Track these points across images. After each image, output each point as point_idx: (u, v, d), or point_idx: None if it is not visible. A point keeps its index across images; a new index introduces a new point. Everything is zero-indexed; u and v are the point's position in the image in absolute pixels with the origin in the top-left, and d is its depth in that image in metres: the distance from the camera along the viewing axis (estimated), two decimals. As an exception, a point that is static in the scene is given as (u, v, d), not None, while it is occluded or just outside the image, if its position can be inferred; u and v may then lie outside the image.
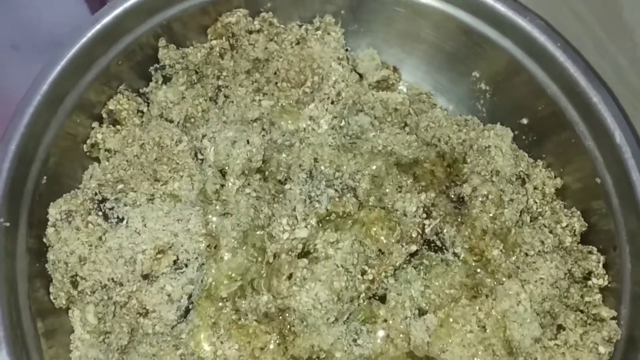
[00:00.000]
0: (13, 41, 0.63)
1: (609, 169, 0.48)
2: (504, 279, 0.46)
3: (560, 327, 0.46)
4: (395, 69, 0.58)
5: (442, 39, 0.56)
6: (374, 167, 0.49)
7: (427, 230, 0.46)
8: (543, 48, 0.49)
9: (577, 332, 0.45)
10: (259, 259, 0.47)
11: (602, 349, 0.45)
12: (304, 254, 0.45)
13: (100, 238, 0.45)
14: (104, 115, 0.51)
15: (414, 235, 0.46)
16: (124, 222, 0.45)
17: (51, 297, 0.46)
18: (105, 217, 0.45)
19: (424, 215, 0.47)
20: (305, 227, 0.45)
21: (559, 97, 0.50)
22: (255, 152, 0.48)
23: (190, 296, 0.45)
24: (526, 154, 0.54)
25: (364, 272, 0.45)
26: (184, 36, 0.53)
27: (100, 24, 0.49)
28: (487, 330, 0.45)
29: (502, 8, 0.51)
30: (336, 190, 0.47)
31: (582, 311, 0.47)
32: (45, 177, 0.47)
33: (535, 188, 0.52)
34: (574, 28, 0.63)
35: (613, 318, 0.46)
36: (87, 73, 0.49)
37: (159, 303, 0.44)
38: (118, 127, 0.51)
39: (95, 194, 0.46)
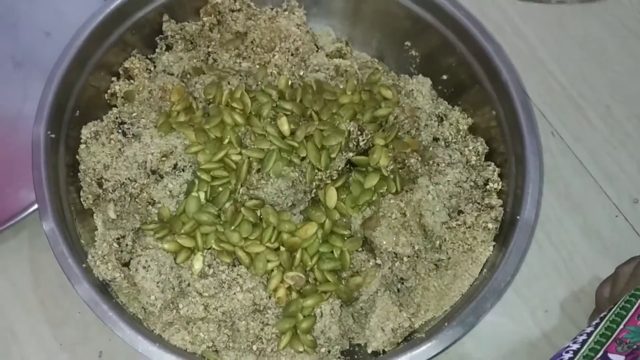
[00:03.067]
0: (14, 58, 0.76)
1: (501, 103, 0.64)
2: (419, 178, 0.62)
3: (460, 212, 0.61)
4: (347, 43, 0.74)
5: (387, 20, 0.72)
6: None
7: (362, 143, 0.62)
8: (451, 16, 0.65)
9: (473, 215, 0.61)
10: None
11: (490, 226, 0.60)
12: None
13: (120, 150, 0.61)
14: (121, 72, 0.67)
15: (350, 146, 0.62)
16: (138, 138, 0.61)
17: (81, 200, 0.62)
18: (124, 134, 0.61)
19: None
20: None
21: (465, 53, 0.66)
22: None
23: (186, 194, 0.61)
24: (445, 102, 0.70)
25: (315, 174, 0.61)
26: (182, 14, 0.69)
27: (115, 4, 0.64)
28: (407, 215, 0.60)
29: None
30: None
31: (478, 203, 0.62)
32: (77, 112, 0.63)
33: (450, 124, 0.67)
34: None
35: (500, 205, 0.62)
36: (107, 41, 0.65)
37: (163, 197, 0.60)
38: (132, 80, 0.67)
39: (116, 117, 0.62)
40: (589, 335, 0.57)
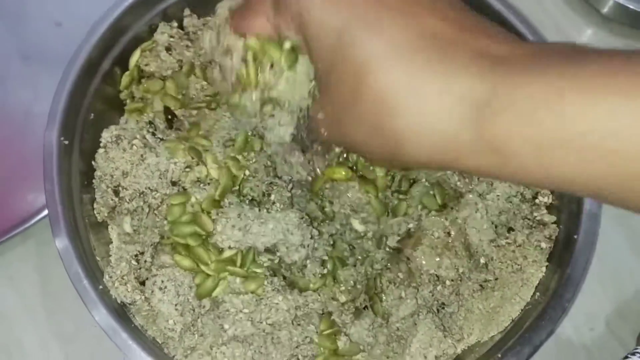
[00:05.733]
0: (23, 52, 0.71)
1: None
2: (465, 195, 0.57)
3: (510, 229, 0.56)
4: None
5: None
6: None
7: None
8: (499, 14, 0.60)
9: (524, 233, 0.56)
10: None
11: (544, 245, 0.56)
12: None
13: (141, 156, 0.55)
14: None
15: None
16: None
17: (95, 212, 0.57)
18: (150, 138, 0.56)
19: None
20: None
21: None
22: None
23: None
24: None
25: None
26: (204, 8, 0.64)
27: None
28: (451, 235, 0.55)
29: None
30: None
31: (529, 219, 0.57)
32: (92, 114, 0.58)
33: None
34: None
35: (553, 222, 0.57)
36: (124, 37, 0.59)
37: (185, 210, 0.55)
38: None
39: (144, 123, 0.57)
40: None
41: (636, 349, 0.60)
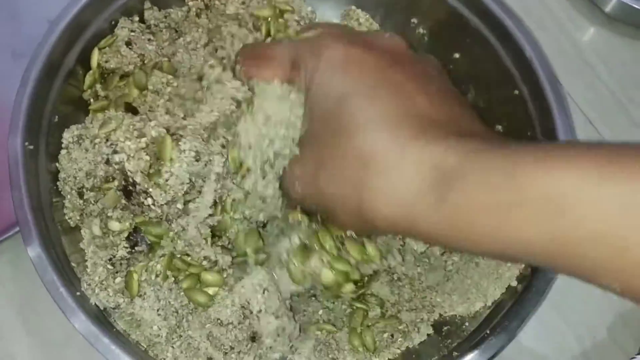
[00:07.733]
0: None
1: (524, 81, 0.58)
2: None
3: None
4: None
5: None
6: None
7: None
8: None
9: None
10: None
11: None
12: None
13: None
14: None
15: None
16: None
17: (66, 217, 0.55)
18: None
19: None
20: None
21: (481, 29, 0.60)
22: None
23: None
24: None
25: None
26: (164, 1, 0.63)
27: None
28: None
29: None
30: None
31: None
32: (57, 117, 0.56)
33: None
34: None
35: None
36: (84, 34, 0.58)
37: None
38: (113, 77, 0.60)
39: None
40: None
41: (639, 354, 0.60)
